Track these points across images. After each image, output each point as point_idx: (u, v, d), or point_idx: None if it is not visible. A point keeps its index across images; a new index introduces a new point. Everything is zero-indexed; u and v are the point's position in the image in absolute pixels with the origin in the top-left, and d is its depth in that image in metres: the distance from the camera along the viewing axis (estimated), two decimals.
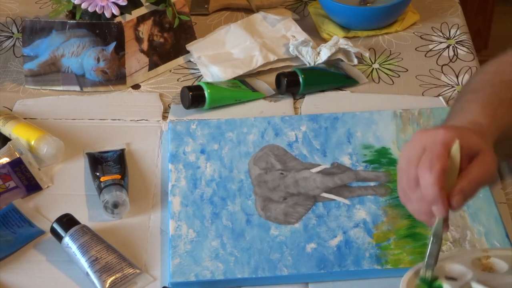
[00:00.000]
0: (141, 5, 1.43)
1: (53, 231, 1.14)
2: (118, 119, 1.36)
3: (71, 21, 1.41)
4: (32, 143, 1.27)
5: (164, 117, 1.37)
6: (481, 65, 1.47)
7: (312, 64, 1.43)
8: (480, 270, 1.00)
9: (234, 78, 1.41)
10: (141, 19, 1.42)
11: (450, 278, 1.00)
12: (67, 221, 1.14)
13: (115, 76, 1.41)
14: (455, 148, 0.93)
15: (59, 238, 1.13)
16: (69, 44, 1.40)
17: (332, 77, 1.42)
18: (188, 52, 1.48)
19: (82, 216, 1.17)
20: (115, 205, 1.18)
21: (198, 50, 1.47)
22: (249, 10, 1.60)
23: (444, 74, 1.44)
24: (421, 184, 0.93)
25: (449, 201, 0.93)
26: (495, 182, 1.07)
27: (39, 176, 1.25)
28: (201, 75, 1.44)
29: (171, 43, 1.47)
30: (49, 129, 1.31)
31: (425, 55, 1.48)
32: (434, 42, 1.51)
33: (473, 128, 0.97)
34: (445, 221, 0.95)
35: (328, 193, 1.19)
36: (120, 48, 1.40)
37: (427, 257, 0.96)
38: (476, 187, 0.94)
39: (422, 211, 0.95)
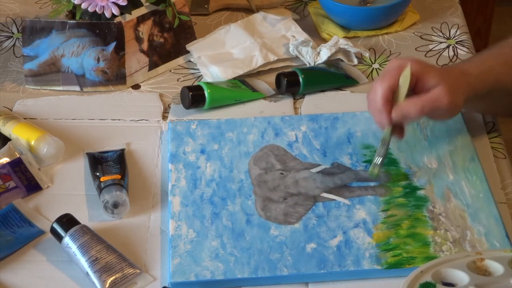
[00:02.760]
0: (141, 5, 1.43)
1: (53, 231, 1.14)
2: (118, 119, 1.36)
3: (71, 21, 1.41)
4: (32, 143, 1.27)
5: (164, 117, 1.37)
6: None
7: (312, 64, 1.43)
8: (476, 274, 1.00)
9: (234, 78, 1.41)
10: (141, 19, 1.42)
11: (447, 284, 1.00)
12: (67, 221, 1.14)
13: (115, 76, 1.41)
14: (406, 70, 1.14)
15: (59, 238, 1.13)
16: (69, 44, 1.40)
17: (332, 77, 1.42)
18: (188, 52, 1.48)
19: (82, 216, 1.17)
20: (115, 205, 1.18)
21: (198, 50, 1.47)
22: (249, 10, 1.60)
23: None
24: (372, 95, 1.16)
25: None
26: (446, 117, 1.19)
27: (39, 176, 1.25)
28: (201, 75, 1.44)
29: (171, 43, 1.47)
30: (49, 129, 1.31)
31: (425, 55, 1.48)
32: (434, 42, 1.51)
33: (450, 70, 1.20)
34: (399, 130, 1.17)
35: (328, 193, 1.19)
36: (120, 48, 1.40)
37: (376, 156, 1.17)
38: (418, 111, 1.13)
39: (377, 120, 1.17)
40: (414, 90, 1.16)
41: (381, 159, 1.17)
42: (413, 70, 1.14)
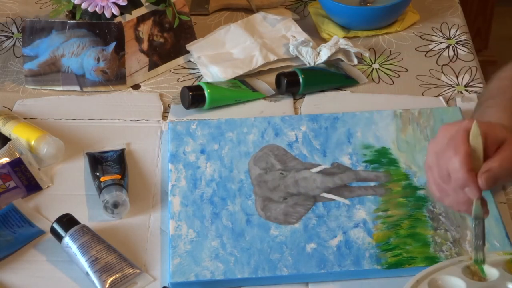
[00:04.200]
0: (141, 5, 1.43)
1: (53, 231, 1.14)
2: (118, 119, 1.36)
3: (71, 21, 1.41)
4: (32, 143, 1.27)
5: (164, 117, 1.37)
6: (481, 65, 1.48)
7: (312, 64, 1.43)
8: (472, 279, 0.99)
9: (234, 78, 1.41)
10: (141, 19, 1.42)
11: None
12: (67, 221, 1.14)
13: (115, 76, 1.41)
14: (474, 130, 0.97)
15: (59, 238, 1.13)
16: (69, 44, 1.40)
17: (332, 77, 1.42)
18: (188, 52, 1.48)
19: (82, 216, 1.17)
20: (115, 205, 1.18)
21: (198, 50, 1.47)
22: (249, 10, 1.60)
23: (444, 74, 1.44)
24: (450, 170, 0.97)
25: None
26: None
27: (39, 176, 1.25)
28: (201, 75, 1.44)
29: (171, 43, 1.47)
30: (49, 129, 1.31)
31: (425, 55, 1.48)
32: (434, 42, 1.51)
33: (496, 123, 1.01)
34: (484, 205, 0.99)
35: (328, 193, 1.19)
36: (120, 48, 1.40)
37: (474, 239, 1.00)
38: (505, 169, 0.96)
39: (460, 200, 0.99)
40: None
41: (481, 241, 1.00)
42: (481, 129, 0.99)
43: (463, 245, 1.11)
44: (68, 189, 1.24)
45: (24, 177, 1.24)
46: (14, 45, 1.53)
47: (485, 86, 1.32)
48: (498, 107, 1.09)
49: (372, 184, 1.20)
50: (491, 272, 1.00)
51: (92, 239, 1.11)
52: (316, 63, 1.43)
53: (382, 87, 1.42)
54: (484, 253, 1.00)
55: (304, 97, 1.40)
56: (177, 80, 1.45)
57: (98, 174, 1.22)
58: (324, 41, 1.49)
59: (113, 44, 1.39)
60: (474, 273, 1.01)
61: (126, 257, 1.11)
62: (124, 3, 1.37)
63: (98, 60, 1.40)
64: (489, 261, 1.01)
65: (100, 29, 1.39)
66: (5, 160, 1.25)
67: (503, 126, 1.00)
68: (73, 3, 1.38)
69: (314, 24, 1.56)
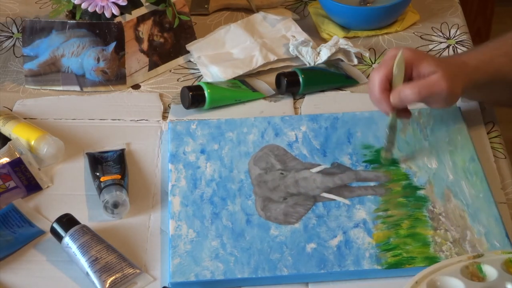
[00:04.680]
0: (141, 5, 1.43)
1: (53, 231, 1.14)
2: (118, 119, 1.36)
3: (71, 21, 1.41)
4: (32, 143, 1.27)
5: (164, 117, 1.37)
6: None
7: (312, 64, 1.43)
8: (471, 280, 0.99)
9: (234, 78, 1.41)
10: (141, 19, 1.42)
11: None
12: (67, 221, 1.14)
13: (115, 76, 1.41)
14: (398, 57, 1.16)
15: (59, 238, 1.13)
16: (69, 44, 1.40)
17: (332, 77, 1.42)
18: (188, 52, 1.48)
19: (82, 216, 1.17)
20: (115, 205, 1.18)
21: (198, 50, 1.47)
22: (249, 10, 1.60)
23: None
24: (370, 87, 1.19)
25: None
26: (443, 105, 1.20)
27: (39, 176, 1.25)
28: (201, 75, 1.44)
29: (171, 43, 1.47)
30: (49, 129, 1.31)
31: None
32: (434, 42, 1.51)
33: (448, 60, 1.23)
34: (404, 112, 1.21)
35: (328, 193, 1.19)
36: (120, 48, 1.40)
37: (386, 142, 1.22)
38: (415, 94, 1.15)
39: (379, 108, 1.20)
40: (411, 78, 1.19)
41: (391, 144, 1.22)
42: (406, 57, 1.17)
43: (463, 245, 1.11)
44: (68, 189, 1.24)
45: (24, 177, 1.24)
46: (14, 45, 1.53)
47: None
48: (483, 47, 1.25)
49: (372, 184, 1.20)
50: (490, 271, 1.00)
51: (92, 239, 1.11)
52: (316, 63, 1.43)
53: None
54: (392, 153, 1.22)
55: (304, 97, 1.40)
56: (177, 80, 1.45)
57: (98, 174, 1.22)
58: (324, 41, 1.49)
59: (113, 44, 1.39)
60: (472, 273, 1.01)
61: (126, 257, 1.11)
62: (124, 3, 1.37)
63: (98, 60, 1.40)
64: (488, 260, 1.01)
65: (100, 29, 1.39)
66: (5, 160, 1.25)
67: (436, 60, 1.17)
68: (73, 3, 1.38)
69: (314, 24, 1.56)
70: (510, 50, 1.23)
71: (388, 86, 1.18)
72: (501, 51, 1.23)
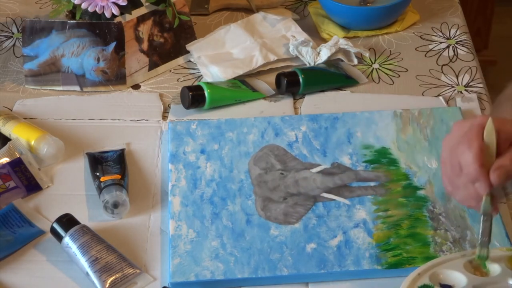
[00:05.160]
0: (141, 5, 1.43)
1: (53, 231, 1.14)
2: (118, 119, 1.36)
3: (71, 21, 1.41)
4: (32, 143, 1.27)
5: (164, 117, 1.37)
6: (481, 65, 1.48)
7: (312, 64, 1.43)
8: (473, 274, 1.00)
9: (234, 78, 1.41)
10: (141, 19, 1.42)
11: (445, 286, 1.00)
12: (67, 221, 1.14)
13: (115, 76, 1.41)
14: (489, 126, 0.98)
15: (59, 238, 1.13)
16: (69, 44, 1.40)
17: (332, 77, 1.42)
18: (188, 52, 1.48)
19: (82, 216, 1.17)
20: (115, 205, 1.18)
21: (198, 50, 1.47)
22: (249, 10, 1.60)
23: (444, 74, 1.44)
24: (462, 164, 0.98)
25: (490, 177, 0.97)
26: None
27: (39, 176, 1.25)
28: (201, 75, 1.44)
29: (171, 43, 1.47)
30: (49, 129, 1.31)
31: (425, 55, 1.48)
32: (434, 42, 1.51)
33: (511, 120, 1.02)
34: (493, 202, 1.00)
35: (328, 193, 1.19)
36: (120, 48, 1.40)
37: (480, 235, 1.00)
38: None
39: (470, 195, 1.00)
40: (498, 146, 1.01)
41: (487, 238, 1.01)
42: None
43: (463, 245, 1.11)
44: (68, 189, 1.24)
45: (24, 177, 1.24)
46: (14, 45, 1.53)
47: (490, 89, 1.33)
48: None
49: (372, 184, 1.20)
50: (493, 267, 1.00)
51: (92, 239, 1.11)
52: (316, 63, 1.43)
53: (382, 87, 1.42)
54: (488, 250, 1.01)
55: (304, 97, 1.40)
56: (177, 80, 1.45)
57: (98, 174, 1.22)
58: (324, 41, 1.49)
59: (113, 44, 1.39)
60: (476, 268, 1.01)
61: (126, 257, 1.11)
62: (124, 3, 1.37)
63: (98, 60, 1.40)
64: (491, 257, 1.01)
65: (100, 29, 1.39)
66: (5, 160, 1.25)
67: None
68: (73, 3, 1.38)
69: (314, 24, 1.56)
70: None
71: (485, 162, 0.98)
72: None
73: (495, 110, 1.17)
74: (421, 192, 1.18)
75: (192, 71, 1.47)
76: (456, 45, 1.50)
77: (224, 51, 1.47)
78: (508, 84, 1.17)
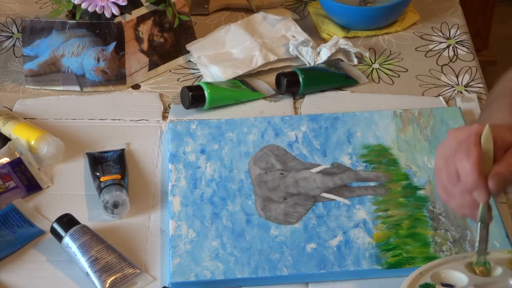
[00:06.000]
0: (141, 5, 1.43)
1: (53, 231, 1.14)
2: (118, 119, 1.36)
3: (71, 21, 1.41)
4: (32, 143, 1.27)
5: (164, 117, 1.37)
6: (481, 65, 1.48)
7: (312, 64, 1.43)
8: (475, 275, 1.00)
9: (234, 78, 1.41)
10: (141, 19, 1.42)
11: (447, 285, 1.00)
12: (67, 221, 1.14)
13: (115, 76, 1.41)
14: (486, 134, 0.97)
15: (59, 238, 1.13)
16: (69, 44, 1.40)
17: (332, 77, 1.42)
18: (188, 52, 1.48)
19: (82, 216, 1.17)
20: (115, 205, 1.18)
21: (198, 50, 1.47)
22: (249, 10, 1.60)
23: (444, 74, 1.44)
24: (460, 173, 0.96)
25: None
26: None
27: (39, 176, 1.25)
28: (201, 75, 1.44)
29: (171, 43, 1.47)
30: (49, 129, 1.31)
31: (425, 55, 1.48)
32: (434, 42, 1.51)
33: (506, 126, 1.00)
34: (489, 211, 0.98)
35: (328, 193, 1.19)
36: (120, 48, 1.40)
37: (477, 242, 0.99)
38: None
39: (466, 203, 0.98)
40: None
41: (484, 245, 1.00)
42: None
43: (463, 245, 1.11)
44: (68, 189, 1.24)
45: (24, 177, 1.24)
46: (14, 45, 1.53)
47: (490, 89, 1.32)
48: (505, 107, 1.08)
49: (372, 184, 1.20)
50: (495, 269, 1.01)
51: (92, 239, 1.11)
52: (316, 63, 1.43)
53: (382, 87, 1.42)
54: (486, 257, 1.00)
55: (304, 97, 1.40)
56: (177, 80, 1.45)
57: (98, 174, 1.22)
58: (324, 41, 1.49)
59: (113, 44, 1.39)
60: (477, 268, 1.01)
61: (126, 257, 1.11)
62: (124, 3, 1.37)
63: (98, 60, 1.40)
64: (492, 259, 1.01)
65: (100, 29, 1.39)
66: (5, 160, 1.25)
67: (510, 128, 1.00)
68: (73, 3, 1.38)
69: (314, 24, 1.56)
70: None
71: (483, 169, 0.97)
72: None
73: (484, 111, 1.16)
74: (421, 192, 1.18)
75: (192, 71, 1.47)
76: (456, 45, 1.50)
77: (224, 51, 1.47)
78: (495, 85, 1.17)
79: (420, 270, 1.01)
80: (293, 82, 1.39)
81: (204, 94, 1.35)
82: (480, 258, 1.00)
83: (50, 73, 1.42)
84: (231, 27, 1.51)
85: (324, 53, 1.43)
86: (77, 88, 1.42)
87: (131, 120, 1.36)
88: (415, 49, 1.50)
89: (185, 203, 1.18)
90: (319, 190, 1.20)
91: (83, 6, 1.37)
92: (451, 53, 1.48)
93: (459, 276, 1.00)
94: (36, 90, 1.42)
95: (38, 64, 1.42)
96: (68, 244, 1.11)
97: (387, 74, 1.44)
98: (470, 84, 1.41)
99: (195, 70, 1.46)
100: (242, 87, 1.39)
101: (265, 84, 1.42)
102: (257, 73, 1.44)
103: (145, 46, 1.44)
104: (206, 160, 1.25)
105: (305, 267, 1.09)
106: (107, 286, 1.08)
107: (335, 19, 1.53)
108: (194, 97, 1.35)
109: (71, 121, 1.36)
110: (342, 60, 1.45)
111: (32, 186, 1.24)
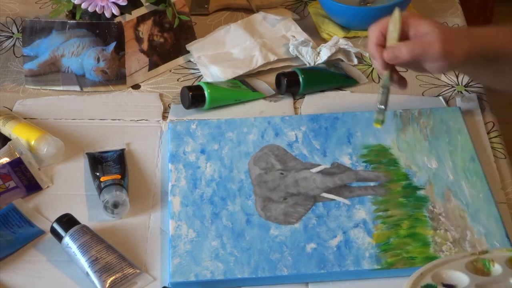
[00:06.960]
0: (141, 5, 1.43)
1: (53, 231, 1.14)
2: (118, 119, 1.36)
3: (71, 21, 1.41)
4: (32, 143, 1.27)
5: (164, 117, 1.37)
6: None
7: (312, 64, 1.43)
8: (476, 274, 1.00)
9: (234, 78, 1.41)
10: (141, 19, 1.42)
11: (448, 285, 1.00)
12: (67, 221, 1.14)
13: (115, 76, 1.41)
14: (394, 14, 1.16)
15: (59, 238, 1.13)
16: (69, 44, 1.40)
17: (332, 77, 1.42)
18: (188, 52, 1.48)
19: (82, 216, 1.17)
20: (115, 205, 1.18)
21: (198, 50, 1.47)
22: (249, 10, 1.60)
23: (444, 74, 1.44)
24: (368, 43, 1.20)
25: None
26: (439, 68, 1.17)
27: (39, 176, 1.25)
28: (201, 75, 1.44)
29: (171, 43, 1.47)
30: (49, 129, 1.31)
31: None
32: None
33: (447, 26, 1.23)
34: (398, 78, 1.20)
35: (328, 193, 1.19)
36: (120, 48, 1.40)
37: (378, 103, 1.18)
38: (408, 52, 1.15)
39: (377, 67, 1.20)
40: (408, 38, 1.17)
41: (384, 106, 1.18)
42: (404, 16, 1.17)
43: (463, 245, 1.11)
44: (68, 189, 1.24)
45: (24, 177, 1.24)
46: (14, 45, 1.53)
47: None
48: (494, 26, 1.24)
49: (372, 184, 1.20)
50: (495, 268, 1.01)
51: (92, 239, 1.11)
52: (316, 63, 1.43)
53: None
54: (384, 116, 1.18)
55: (304, 97, 1.40)
56: (177, 80, 1.45)
57: (98, 174, 1.22)
58: (324, 41, 1.49)
59: (113, 44, 1.39)
60: (477, 269, 1.01)
61: (126, 257, 1.11)
62: (124, 3, 1.37)
63: (98, 60, 1.40)
64: (493, 257, 1.01)
65: (100, 29, 1.39)
66: (5, 160, 1.25)
67: (435, 22, 1.16)
68: (73, 3, 1.39)
69: (314, 24, 1.56)
70: None
71: (383, 42, 1.18)
72: (508, 30, 1.20)
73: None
74: (421, 192, 1.19)
75: (192, 71, 1.47)
76: None
77: (224, 51, 1.47)
78: None
79: (421, 271, 1.01)
80: (293, 82, 1.39)
81: (204, 94, 1.35)
82: (379, 116, 1.18)
83: (50, 73, 1.42)
84: (231, 27, 1.51)
85: (324, 53, 1.43)
86: (77, 88, 1.42)
87: (131, 120, 1.36)
88: None
89: (185, 203, 1.18)
90: (319, 190, 1.20)
91: (83, 6, 1.37)
92: None
93: (460, 276, 1.00)
94: (36, 90, 1.43)
95: (38, 64, 1.42)
96: (68, 244, 1.11)
97: None
98: (470, 84, 1.41)
99: (195, 70, 1.47)
100: (242, 87, 1.39)
101: (265, 84, 1.42)
102: (257, 73, 1.44)
103: (145, 46, 1.44)
104: (206, 160, 1.25)
105: (305, 267, 1.09)
106: (107, 286, 1.08)
107: (335, 19, 1.53)
108: (194, 97, 1.35)
109: (71, 121, 1.36)
110: (342, 60, 1.45)
111: (32, 186, 1.24)
